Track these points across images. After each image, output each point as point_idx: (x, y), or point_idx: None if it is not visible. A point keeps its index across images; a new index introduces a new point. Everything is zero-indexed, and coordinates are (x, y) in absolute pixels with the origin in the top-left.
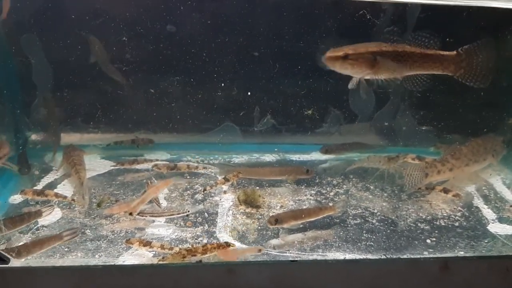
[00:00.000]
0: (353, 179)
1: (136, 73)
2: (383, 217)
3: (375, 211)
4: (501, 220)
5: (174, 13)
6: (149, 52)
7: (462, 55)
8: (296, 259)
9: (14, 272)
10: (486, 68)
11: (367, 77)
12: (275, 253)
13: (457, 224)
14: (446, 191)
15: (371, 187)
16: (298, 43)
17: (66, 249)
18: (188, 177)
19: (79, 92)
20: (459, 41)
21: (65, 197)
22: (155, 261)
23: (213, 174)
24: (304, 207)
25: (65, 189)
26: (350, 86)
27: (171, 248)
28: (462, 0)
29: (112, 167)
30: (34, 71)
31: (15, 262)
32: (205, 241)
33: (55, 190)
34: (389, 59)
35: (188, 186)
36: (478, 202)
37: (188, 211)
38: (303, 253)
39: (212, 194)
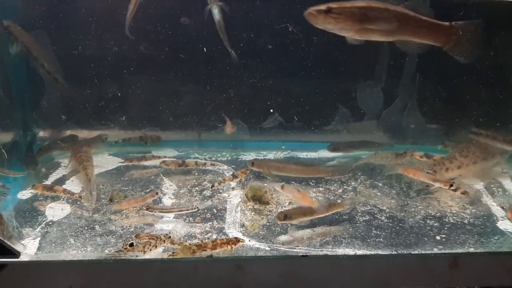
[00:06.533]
0: (361, 176)
1: (144, 71)
2: (391, 214)
3: (384, 208)
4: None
5: (182, 10)
6: (157, 50)
7: (454, 29)
8: (306, 254)
9: (24, 266)
10: (472, 46)
11: (356, 36)
12: (284, 249)
13: (466, 221)
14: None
15: (380, 184)
16: (308, 39)
17: (78, 244)
18: (196, 173)
19: (87, 88)
20: None
21: (73, 193)
22: (165, 256)
23: (220, 171)
24: None
25: (74, 185)
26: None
27: (180, 243)
28: None
29: (120, 164)
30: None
31: (25, 257)
32: (214, 236)
33: (64, 186)
34: (379, 18)
35: (196, 183)
36: (487, 199)
37: (198, 208)
38: (313, 249)
39: (220, 191)
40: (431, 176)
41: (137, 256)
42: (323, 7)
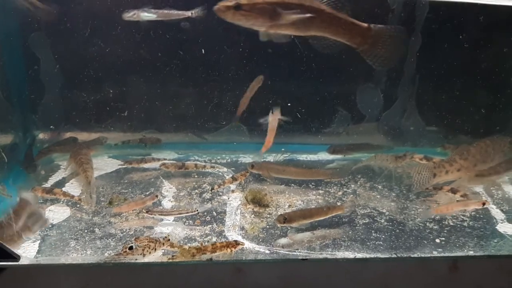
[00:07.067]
0: (361, 179)
1: (144, 73)
2: (391, 217)
3: (384, 210)
4: (509, 220)
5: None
6: (157, 52)
7: (371, 31)
8: (306, 257)
9: (24, 270)
10: (388, 53)
11: (270, 30)
12: (284, 252)
13: (465, 224)
14: (453, 191)
15: (379, 187)
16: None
17: (78, 247)
18: (196, 176)
19: (87, 90)
20: (468, 40)
21: (72, 196)
22: (164, 259)
23: (220, 173)
24: (312, 206)
25: (73, 187)
26: (261, 38)
27: (180, 247)
28: None
29: (120, 166)
30: (42, 69)
31: (24, 260)
32: (214, 239)
33: (63, 189)
34: (291, 13)
35: (196, 185)
36: None
37: (197, 210)
38: (312, 252)
39: (220, 193)
40: (463, 203)
41: (136, 259)
42: (231, 3)
